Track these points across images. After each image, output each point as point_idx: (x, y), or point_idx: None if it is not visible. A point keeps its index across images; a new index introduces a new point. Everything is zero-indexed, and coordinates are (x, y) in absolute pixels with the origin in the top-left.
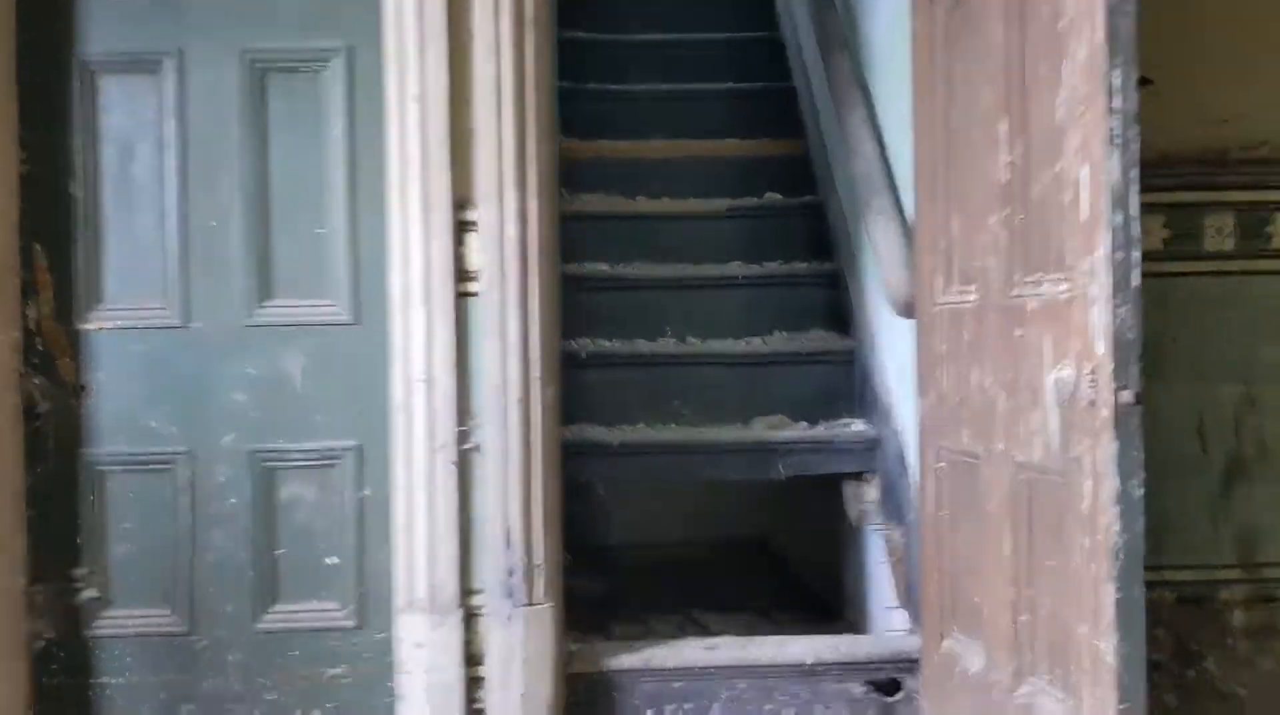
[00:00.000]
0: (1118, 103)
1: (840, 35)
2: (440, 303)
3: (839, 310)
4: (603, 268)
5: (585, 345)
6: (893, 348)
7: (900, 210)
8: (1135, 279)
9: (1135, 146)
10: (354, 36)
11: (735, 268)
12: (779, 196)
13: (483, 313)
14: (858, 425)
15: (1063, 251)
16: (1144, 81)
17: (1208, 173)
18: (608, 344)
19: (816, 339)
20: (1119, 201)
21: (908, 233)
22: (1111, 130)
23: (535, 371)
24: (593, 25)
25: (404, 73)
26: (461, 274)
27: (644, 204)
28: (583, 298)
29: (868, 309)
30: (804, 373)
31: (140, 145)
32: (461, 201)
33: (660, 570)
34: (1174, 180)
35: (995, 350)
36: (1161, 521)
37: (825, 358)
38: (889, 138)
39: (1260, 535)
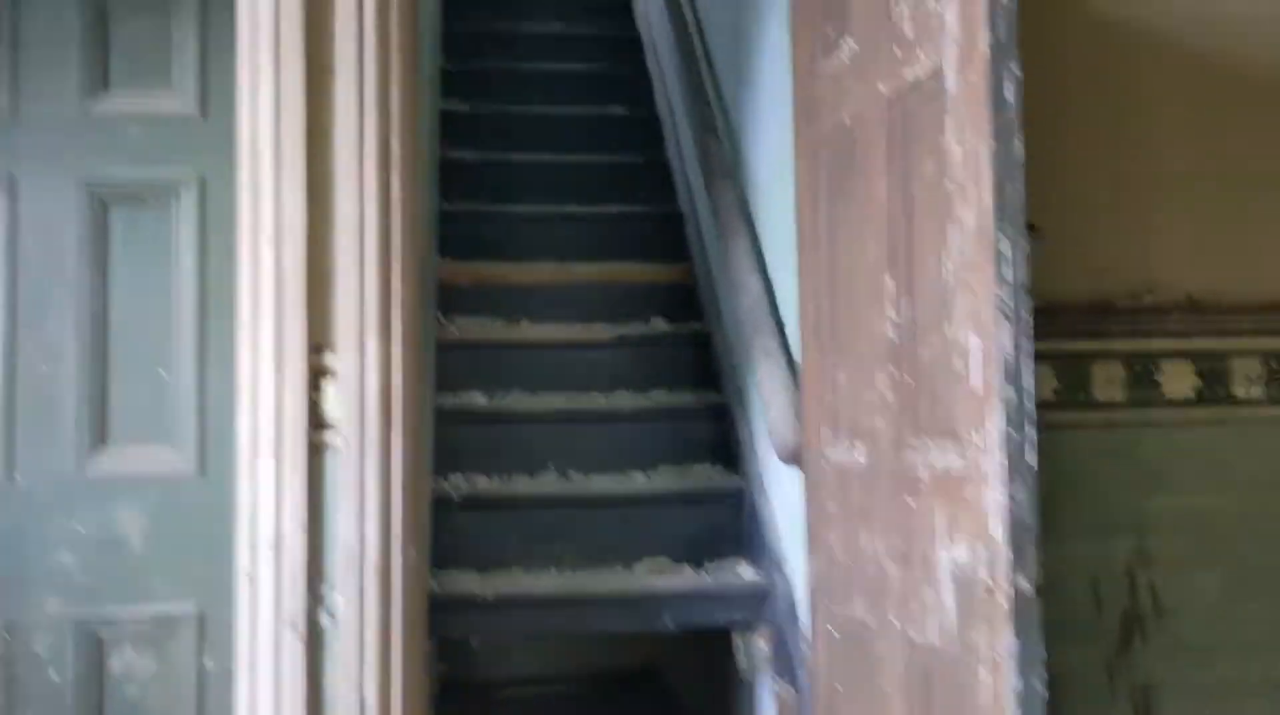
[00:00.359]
0: (1007, 273)
1: (725, 163)
2: (292, 457)
3: (728, 444)
4: (480, 400)
5: (459, 485)
6: (782, 490)
7: (787, 350)
8: (1031, 458)
9: (1027, 317)
10: (206, 167)
11: (621, 398)
12: (666, 324)
13: (340, 468)
14: (747, 571)
15: (954, 420)
16: (1030, 228)
17: (1094, 322)
18: (484, 482)
19: (704, 475)
20: (1011, 376)
21: (795, 373)
22: (1001, 300)
23: (396, 531)
24: (479, 145)
25: (258, 210)
26: (317, 425)
27: (526, 330)
28: (458, 432)
29: (756, 446)
30: (691, 512)
31: None
32: (318, 348)
33: (540, 710)
34: (1062, 329)
35: (886, 517)
36: (1059, 682)
37: (713, 497)
38: (777, 272)
39: (1157, 691)
